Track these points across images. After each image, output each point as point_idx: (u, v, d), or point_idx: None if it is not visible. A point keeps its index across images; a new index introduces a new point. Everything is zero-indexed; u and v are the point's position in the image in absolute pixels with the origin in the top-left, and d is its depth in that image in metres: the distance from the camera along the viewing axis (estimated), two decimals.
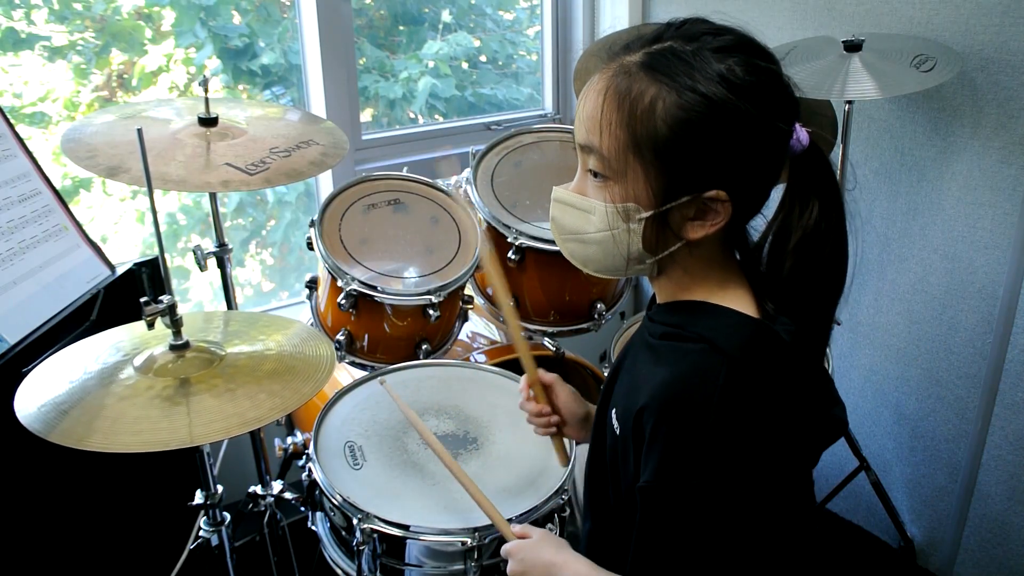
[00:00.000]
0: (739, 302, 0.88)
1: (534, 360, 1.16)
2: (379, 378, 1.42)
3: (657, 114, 0.80)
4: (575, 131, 0.88)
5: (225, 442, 1.85)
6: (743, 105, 0.80)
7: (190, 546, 1.56)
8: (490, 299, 1.91)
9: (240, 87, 2.23)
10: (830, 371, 1.72)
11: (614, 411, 0.93)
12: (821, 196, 0.85)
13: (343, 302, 1.60)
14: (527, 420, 1.18)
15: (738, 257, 0.93)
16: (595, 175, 0.86)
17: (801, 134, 0.84)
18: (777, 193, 0.89)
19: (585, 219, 0.88)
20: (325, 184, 2.27)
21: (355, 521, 1.25)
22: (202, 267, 1.57)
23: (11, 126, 1.46)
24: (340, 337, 1.68)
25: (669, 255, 0.87)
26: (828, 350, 1.81)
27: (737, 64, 0.80)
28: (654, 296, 0.97)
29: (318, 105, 2.17)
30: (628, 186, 0.84)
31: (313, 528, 1.45)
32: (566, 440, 1.22)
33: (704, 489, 0.80)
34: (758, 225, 0.91)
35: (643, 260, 0.88)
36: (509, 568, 1.02)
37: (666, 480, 0.81)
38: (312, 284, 1.79)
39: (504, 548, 1.04)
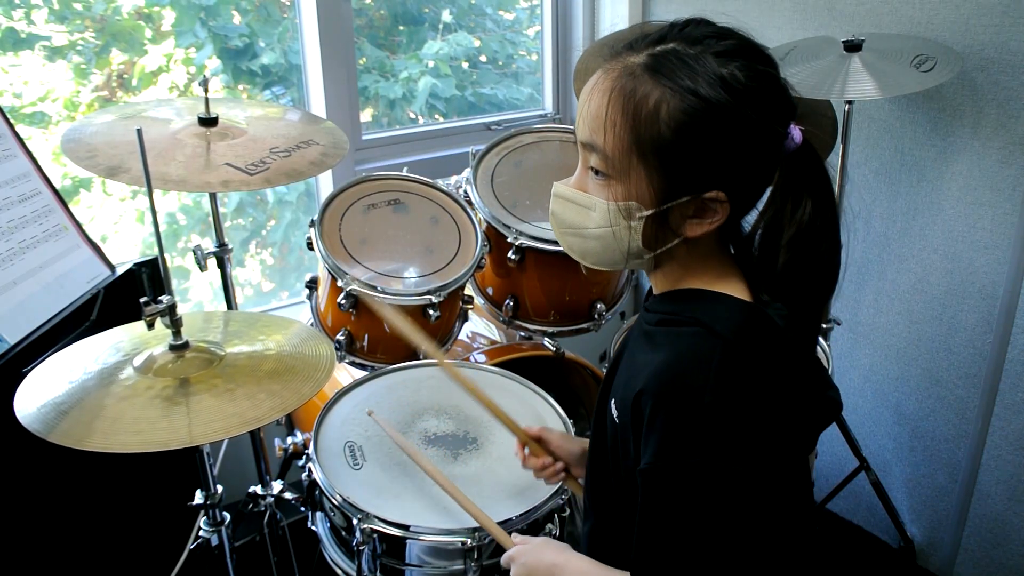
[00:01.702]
0: (734, 291, 0.90)
1: (514, 422, 1.19)
2: (367, 409, 1.44)
3: (661, 117, 0.82)
4: (577, 129, 0.89)
5: (225, 442, 1.85)
6: (743, 110, 0.81)
7: (190, 546, 1.56)
8: (490, 299, 1.91)
9: (240, 87, 2.23)
10: (830, 371, 1.72)
11: (613, 401, 0.94)
12: (814, 193, 0.86)
13: (343, 302, 1.60)
14: (535, 476, 1.21)
15: (732, 251, 0.94)
16: (597, 173, 0.88)
17: (795, 133, 0.86)
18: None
19: (585, 215, 0.89)
20: (325, 184, 2.27)
21: (355, 521, 1.25)
22: (202, 267, 1.57)
23: (11, 126, 1.46)
24: (340, 337, 1.68)
25: (667, 250, 0.89)
26: (828, 350, 1.81)
27: (739, 69, 0.82)
28: (650, 289, 0.98)
29: (318, 105, 2.17)
30: (630, 185, 0.85)
31: (313, 528, 1.45)
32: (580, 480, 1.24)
33: (704, 469, 0.80)
34: (750, 217, 0.92)
35: (641, 255, 0.89)
36: (512, 573, 1.02)
37: (666, 461, 0.82)
38: (312, 284, 1.79)
39: (505, 555, 1.05)
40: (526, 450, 1.19)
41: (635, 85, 0.83)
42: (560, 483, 1.22)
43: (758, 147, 0.84)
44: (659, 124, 0.82)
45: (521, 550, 1.03)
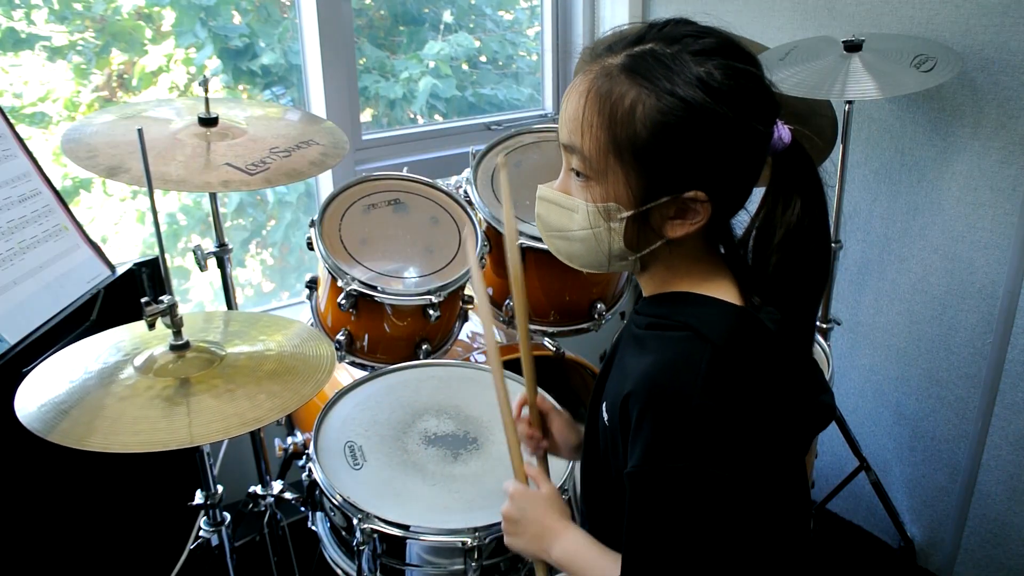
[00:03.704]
0: (724, 294, 0.89)
1: (534, 384, 1.14)
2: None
3: (637, 117, 0.82)
4: (559, 131, 0.90)
5: (225, 442, 1.85)
6: (721, 109, 0.80)
7: (190, 546, 1.56)
8: (491, 299, 1.91)
9: (240, 87, 2.23)
10: (830, 371, 1.72)
11: (604, 404, 0.94)
12: (803, 193, 0.86)
13: (343, 302, 1.60)
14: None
15: (723, 251, 0.94)
16: (577, 175, 0.88)
17: (783, 132, 0.85)
18: (761, 189, 0.90)
19: (569, 217, 0.89)
20: (325, 184, 2.27)
21: (355, 521, 1.25)
22: (202, 267, 1.57)
23: (11, 126, 1.46)
24: (340, 337, 1.68)
25: (651, 252, 0.89)
26: (828, 350, 1.81)
27: (716, 67, 0.81)
28: (641, 291, 0.98)
29: (318, 105, 2.17)
30: (609, 186, 0.85)
31: (313, 528, 1.46)
32: (550, 461, 1.21)
33: (691, 473, 0.80)
34: (744, 220, 0.92)
35: (625, 257, 0.89)
36: (504, 508, 1.01)
37: (652, 465, 0.82)
38: (312, 284, 1.79)
39: (506, 484, 1.02)
40: (525, 410, 1.13)
41: (611, 86, 0.83)
42: (535, 457, 1.15)
43: (737, 146, 0.83)
44: (635, 124, 0.82)
45: (524, 492, 1.00)
